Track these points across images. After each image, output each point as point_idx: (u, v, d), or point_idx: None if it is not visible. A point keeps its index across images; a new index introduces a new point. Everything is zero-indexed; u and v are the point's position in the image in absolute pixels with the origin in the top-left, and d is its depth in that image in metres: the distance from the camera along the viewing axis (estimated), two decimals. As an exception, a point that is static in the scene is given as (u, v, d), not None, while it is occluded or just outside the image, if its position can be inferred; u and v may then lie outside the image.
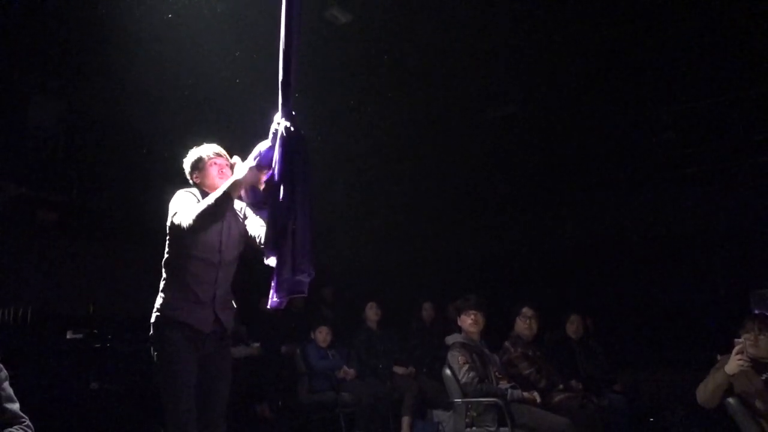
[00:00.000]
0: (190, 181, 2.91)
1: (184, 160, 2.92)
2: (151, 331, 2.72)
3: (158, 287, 2.81)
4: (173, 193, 2.80)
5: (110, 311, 6.31)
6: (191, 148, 2.96)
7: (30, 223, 6.61)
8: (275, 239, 2.32)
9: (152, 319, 2.73)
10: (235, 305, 2.97)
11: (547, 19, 5.47)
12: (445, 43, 5.89)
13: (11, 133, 6.40)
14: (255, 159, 2.47)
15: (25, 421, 1.99)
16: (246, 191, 2.59)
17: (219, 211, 2.52)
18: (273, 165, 2.42)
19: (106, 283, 6.76)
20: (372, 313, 6.01)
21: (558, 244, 7.53)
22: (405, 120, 6.97)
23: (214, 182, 2.80)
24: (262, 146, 2.47)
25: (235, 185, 2.48)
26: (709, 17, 5.06)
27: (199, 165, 2.87)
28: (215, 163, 2.84)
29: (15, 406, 2.00)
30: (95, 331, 5.68)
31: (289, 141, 2.38)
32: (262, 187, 2.50)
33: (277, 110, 2.44)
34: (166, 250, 2.79)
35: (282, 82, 2.41)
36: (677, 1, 4.96)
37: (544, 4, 5.29)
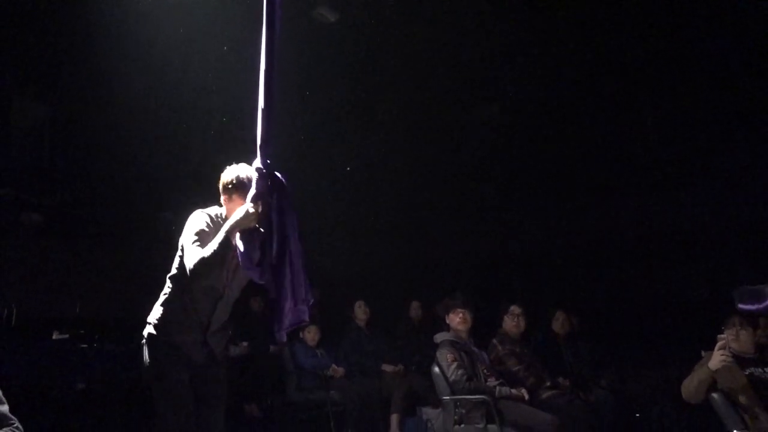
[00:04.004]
0: (219, 198, 2.80)
1: (228, 171, 2.74)
2: (144, 344, 2.68)
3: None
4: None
5: (96, 312, 6.27)
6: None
7: (15, 225, 6.55)
8: (272, 270, 2.41)
9: (145, 333, 2.68)
10: (230, 333, 2.93)
11: (535, 18, 5.52)
12: (432, 43, 5.92)
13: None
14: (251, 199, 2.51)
15: (14, 423, 1.98)
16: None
17: (220, 257, 2.49)
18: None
19: (91, 285, 6.71)
20: (360, 311, 6.03)
21: (543, 243, 7.58)
22: (392, 120, 6.98)
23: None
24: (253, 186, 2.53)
25: (233, 229, 2.47)
26: (692, 21, 5.13)
27: (232, 192, 2.69)
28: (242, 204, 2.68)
29: (4, 408, 1.98)
30: (81, 331, 5.65)
31: (270, 184, 2.49)
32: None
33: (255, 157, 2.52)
34: (175, 265, 2.73)
35: (260, 143, 2.50)
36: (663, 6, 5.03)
37: (535, 4, 5.34)
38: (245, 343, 6.14)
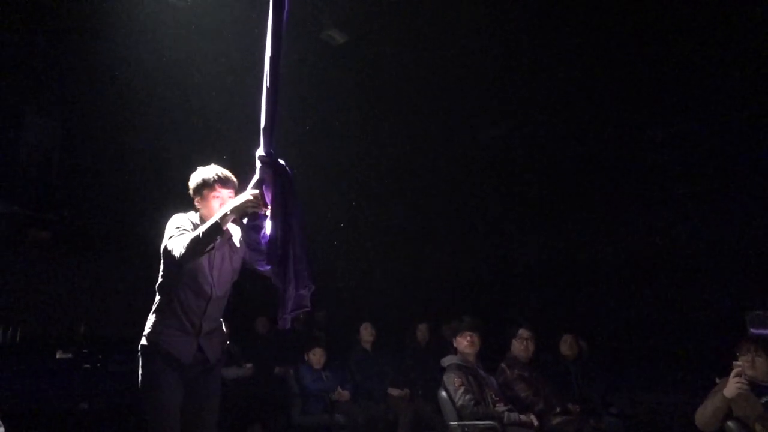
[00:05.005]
0: (192, 202, 2.86)
1: (192, 176, 2.84)
2: (139, 355, 2.70)
3: (149, 308, 2.79)
4: (166, 213, 2.77)
5: (100, 331, 6.23)
6: (185, 167, 2.92)
7: (21, 242, 6.55)
8: (278, 260, 2.44)
9: (140, 344, 2.71)
10: (225, 334, 2.93)
11: (542, 39, 5.53)
12: (439, 64, 5.94)
13: (4, 151, 6.38)
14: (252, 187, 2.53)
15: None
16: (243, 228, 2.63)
17: (208, 242, 2.50)
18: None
19: (96, 303, 6.69)
20: (366, 333, 5.95)
21: (552, 265, 7.51)
22: (399, 140, 6.99)
23: (212, 214, 2.72)
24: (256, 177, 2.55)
25: (226, 217, 2.48)
26: (702, 38, 5.12)
27: (202, 191, 2.79)
28: (217, 197, 2.77)
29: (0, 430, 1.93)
30: (85, 350, 5.61)
31: (273, 171, 2.51)
32: (262, 210, 2.53)
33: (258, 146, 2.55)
34: (160, 273, 2.76)
35: (264, 128, 2.51)
36: (670, 21, 5.02)
37: (539, 24, 5.35)
38: (249, 365, 6.07)
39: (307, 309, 2.50)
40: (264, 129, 2.51)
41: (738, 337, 3.68)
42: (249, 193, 2.50)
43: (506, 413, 3.98)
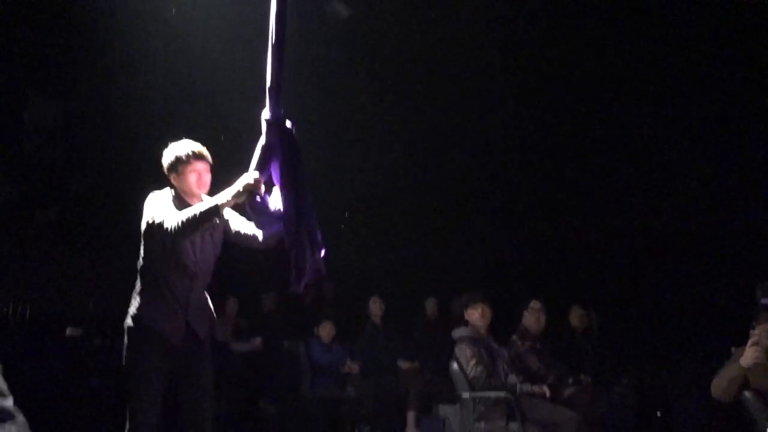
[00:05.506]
0: (168, 180, 2.80)
1: (164, 153, 2.79)
2: (125, 338, 2.67)
3: None
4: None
5: (109, 308, 6.23)
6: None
7: (29, 222, 6.54)
8: (294, 226, 2.42)
9: (125, 326, 2.67)
10: (213, 313, 2.90)
11: (547, 16, 5.42)
12: (448, 38, 5.83)
13: (9, 133, 6.34)
14: (256, 170, 2.48)
15: (17, 417, 1.88)
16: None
17: (205, 222, 2.47)
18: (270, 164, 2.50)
19: (104, 281, 6.69)
20: (376, 308, 5.94)
21: (563, 239, 7.46)
22: (408, 115, 6.90)
23: (191, 189, 2.71)
24: (258, 154, 2.50)
25: (228, 202, 2.45)
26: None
27: (177, 167, 2.73)
28: (194, 170, 2.72)
29: (8, 402, 1.89)
30: (94, 328, 5.63)
31: (280, 134, 2.47)
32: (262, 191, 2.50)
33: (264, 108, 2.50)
34: (141, 254, 2.73)
35: (270, 88, 2.46)
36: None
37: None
38: (258, 339, 6.08)
39: (323, 273, 2.47)
40: (270, 89, 2.45)
41: (748, 309, 3.64)
42: (251, 176, 2.44)
43: (518, 384, 3.96)
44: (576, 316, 5.45)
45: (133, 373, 2.60)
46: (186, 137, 2.83)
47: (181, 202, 2.67)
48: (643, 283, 6.77)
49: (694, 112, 6.03)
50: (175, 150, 2.74)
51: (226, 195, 2.45)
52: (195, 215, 2.43)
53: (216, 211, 2.44)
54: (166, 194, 2.71)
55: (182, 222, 2.44)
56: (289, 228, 2.43)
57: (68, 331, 5.60)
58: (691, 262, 6.55)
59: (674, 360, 6.04)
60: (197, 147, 2.76)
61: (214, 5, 5.03)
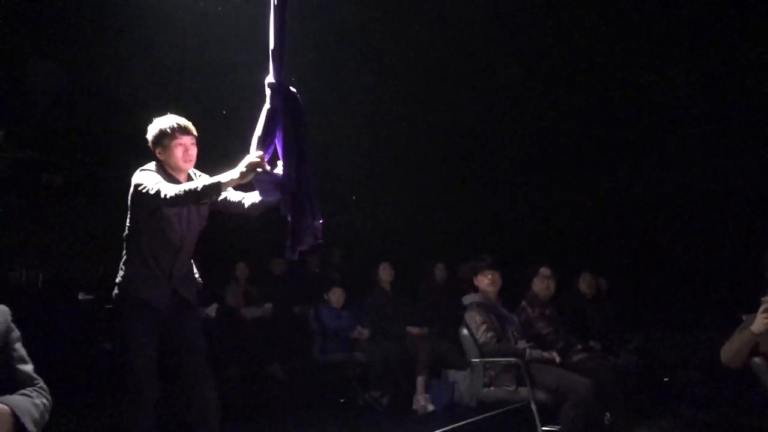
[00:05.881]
0: (154, 155, 2.81)
1: (149, 128, 2.81)
2: (114, 305, 2.76)
3: None
4: None
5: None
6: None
7: (35, 187, 6.54)
8: (293, 192, 2.39)
9: (113, 296, 2.76)
10: (199, 280, 2.98)
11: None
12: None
13: (12, 97, 6.28)
14: (258, 147, 2.44)
15: (39, 383, 1.92)
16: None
17: (205, 198, 2.47)
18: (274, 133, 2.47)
19: (114, 245, 6.70)
20: (385, 273, 5.94)
21: (570, 205, 7.42)
22: (414, 78, 6.79)
23: (178, 163, 2.74)
24: (262, 121, 2.47)
25: (231, 181, 2.44)
26: None
27: (163, 141, 2.75)
28: (180, 144, 2.74)
29: (28, 368, 1.93)
30: (106, 292, 5.65)
31: (284, 99, 2.43)
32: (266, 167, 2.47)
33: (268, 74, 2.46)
34: (127, 224, 2.76)
35: (273, 51, 2.42)
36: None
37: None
38: (268, 305, 6.12)
39: (320, 241, 2.46)
40: (273, 52, 2.41)
41: (756, 276, 3.62)
42: (254, 154, 2.42)
43: (528, 350, 3.97)
44: (585, 283, 5.44)
45: (125, 340, 2.67)
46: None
47: (168, 177, 2.69)
48: (651, 248, 6.74)
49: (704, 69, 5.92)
50: (160, 124, 2.77)
51: (230, 174, 2.43)
52: (196, 188, 2.43)
53: (218, 188, 2.44)
54: (155, 170, 2.71)
55: (182, 192, 2.44)
56: (287, 194, 2.41)
57: (80, 296, 5.65)
58: (701, 228, 6.52)
59: (682, 326, 6.06)
60: (182, 121, 2.78)
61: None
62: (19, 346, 1.93)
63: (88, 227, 6.80)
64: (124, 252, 2.79)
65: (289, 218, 2.41)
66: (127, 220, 2.76)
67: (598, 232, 7.03)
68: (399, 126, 7.37)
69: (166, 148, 2.73)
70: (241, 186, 2.57)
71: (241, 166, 2.41)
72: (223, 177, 2.44)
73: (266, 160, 2.43)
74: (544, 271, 4.59)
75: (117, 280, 2.74)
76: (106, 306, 5.56)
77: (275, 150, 2.49)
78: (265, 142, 2.44)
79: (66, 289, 5.67)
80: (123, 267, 2.75)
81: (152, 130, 2.79)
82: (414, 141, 7.50)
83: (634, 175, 7.01)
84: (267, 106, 2.47)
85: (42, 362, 2.06)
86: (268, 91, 2.47)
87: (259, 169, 2.41)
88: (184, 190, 2.44)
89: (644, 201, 6.95)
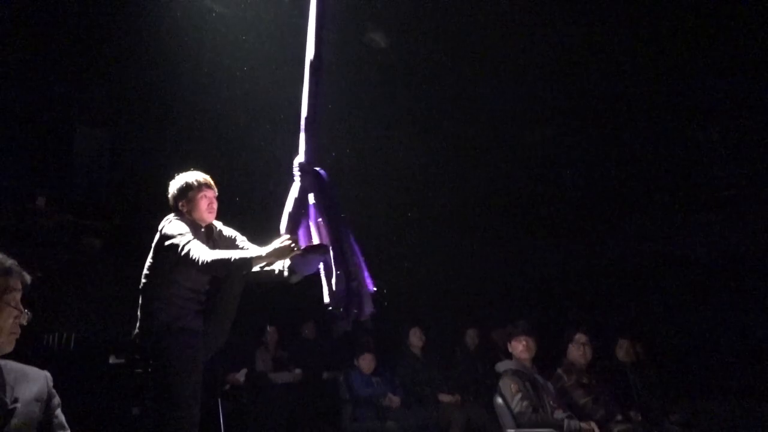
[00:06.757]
0: (175, 207, 2.91)
1: (171, 183, 2.92)
2: (163, 340, 2.85)
3: None
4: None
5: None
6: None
7: (74, 249, 6.68)
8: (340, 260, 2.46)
9: (159, 331, 2.83)
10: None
11: (588, 38, 5.37)
12: (482, 66, 5.82)
13: (57, 162, 6.51)
14: (288, 225, 2.53)
15: None
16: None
17: (237, 272, 2.57)
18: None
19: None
20: (416, 338, 5.86)
21: (607, 267, 7.26)
22: (445, 142, 6.88)
23: (202, 216, 2.85)
24: (290, 206, 2.54)
25: (261, 258, 2.49)
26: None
27: (188, 194, 2.87)
28: (205, 196, 2.87)
29: None
30: (137, 356, 5.65)
31: (317, 184, 2.51)
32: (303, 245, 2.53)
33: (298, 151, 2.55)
34: (152, 272, 2.86)
35: (306, 118, 2.50)
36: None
37: (585, 23, 5.19)
38: (298, 370, 6.04)
39: (374, 312, 2.47)
40: (306, 121, 2.47)
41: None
42: (285, 240, 2.46)
43: (566, 420, 3.82)
44: (622, 350, 5.27)
45: (187, 370, 2.78)
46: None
47: (194, 229, 2.77)
48: (695, 314, 6.50)
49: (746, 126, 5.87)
50: (185, 178, 2.91)
51: (262, 252, 2.48)
52: (229, 260, 2.48)
53: (249, 265, 2.49)
54: (183, 221, 2.78)
55: (213, 261, 2.49)
56: (336, 268, 2.45)
57: (111, 359, 5.65)
58: (742, 292, 6.30)
59: (726, 395, 5.79)
60: (205, 177, 2.93)
61: (264, 38, 5.12)
62: (59, 412, 1.93)
63: (122, 290, 6.87)
64: (149, 299, 2.86)
65: (344, 290, 2.44)
66: (151, 267, 2.85)
67: (637, 295, 6.83)
68: (431, 189, 7.42)
69: (191, 201, 2.85)
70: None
71: (273, 247, 2.45)
72: (254, 252, 2.48)
73: (298, 240, 2.47)
74: (580, 337, 4.47)
75: (162, 318, 2.78)
76: (138, 370, 5.56)
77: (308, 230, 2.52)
78: (296, 221, 2.48)
79: (97, 352, 5.68)
80: (158, 309, 2.81)
81: (177, 184, 2.91)
82: (445, 205, 7.53)
83: (676, 237, 6.85)
84: (297, 184, 2.53)
85: (71, 426, 2.04)
86: (297, 171, 2.52)
87: (293, 252, 2.44)
88: (216, 260, 2.48)
89: (688, 263, 6.75)
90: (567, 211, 7.26)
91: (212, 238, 2.92)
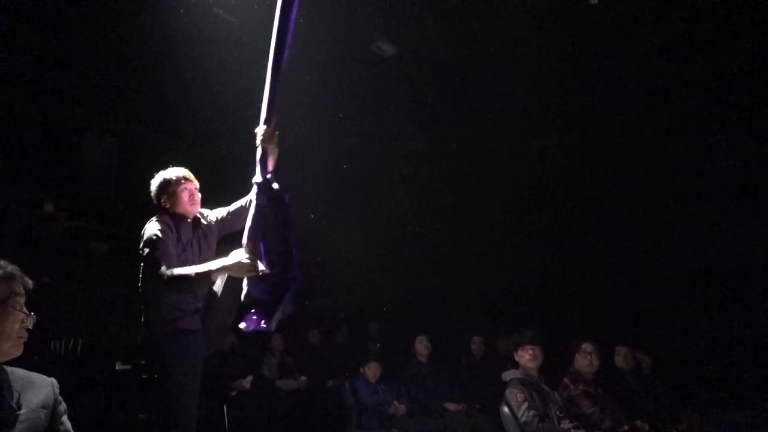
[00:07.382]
0: (159, 205, 2.93)
1: (152, 181, 2.95)
2: (162, 339, 2.77)
3: None
4: None
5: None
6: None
7: (82, 255, 6.71)
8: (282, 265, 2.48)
9: (157, 331, 2.78)
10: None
11: (592, 46, 5.38)
12: (488, 75, 5.84)
13: (66, 169, 6.56)
14: (249, 242, 2.53)
15: None
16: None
17: (196, 287, 2.56)
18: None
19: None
20: (422, 347, 5.84)
21: (613, 276, 7.23)
22: (449, 151, 6.89)
23: (185, 208, 2.86)
24: (249, 223, 2.57)
25: (219, 271, 2.51)
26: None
27: (168, 189, 2.89)
28: (186, 189, 2.88)
29: None
30: (143, 362, 5.67)
31: (269, 196, 2.55)
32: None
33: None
34: (145, 276, 2.80)
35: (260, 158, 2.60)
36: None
37: (593, 35, 5.20)
38: (303, 378, 6.04)
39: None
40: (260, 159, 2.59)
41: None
42: (245, 257, 2.48)
43: (572, 431, 3.79)
44: (621, 357, 5.23)
45: (185, 366, 2.71)
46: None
47: (177, 221, 2.80)
48: (702, 322, 6.46)
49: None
50: (164, 174, 2.94)
51: (218, 264, 2.50)
52: (189, 276, 2.49)
53: (207, 279, 2.53)
54: (163, 223, 2.77)
55: (175, 278, 2.50)
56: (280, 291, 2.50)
57: (117, 365, 5.66)
58: (752, 300, 6.25)
59: (736, 405, 5.74)
60: (185, 171, 2.96)
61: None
62: (65, 419, 1.93)
63: (129, 296, 6.89)
64: (147, 300, 2.81)
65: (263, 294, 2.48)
66: (142, 270, 2.81)
67: (645, 306, 6.79)
68: (436, 199, 7.43)
69: (172, 195, 2.87)
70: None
71: (233, 261, 2.47)
72: (213, 265, 2.51)
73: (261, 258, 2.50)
74: (587, 346, 4.43)
75: (163, 315, 2.74)
76: (144, 376, 5.57)
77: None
78: (255, 239, 2.51)
79: (104, 358, 5.70)
80: (154, 308, 2.78)
81: (156, 181, 2.94)
82: (450, 214, 7.53)
83: (681, 246, 6.81)
84: (253, 201, 2.60)
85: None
86: (254, 189, 2.59)
87: (251, 273, 2.47)
88: (179, 276, 2.50)
89: (696, 271, 6.70)
90: (575, 219, 7.24)
91: (200, 229, 2.93)
